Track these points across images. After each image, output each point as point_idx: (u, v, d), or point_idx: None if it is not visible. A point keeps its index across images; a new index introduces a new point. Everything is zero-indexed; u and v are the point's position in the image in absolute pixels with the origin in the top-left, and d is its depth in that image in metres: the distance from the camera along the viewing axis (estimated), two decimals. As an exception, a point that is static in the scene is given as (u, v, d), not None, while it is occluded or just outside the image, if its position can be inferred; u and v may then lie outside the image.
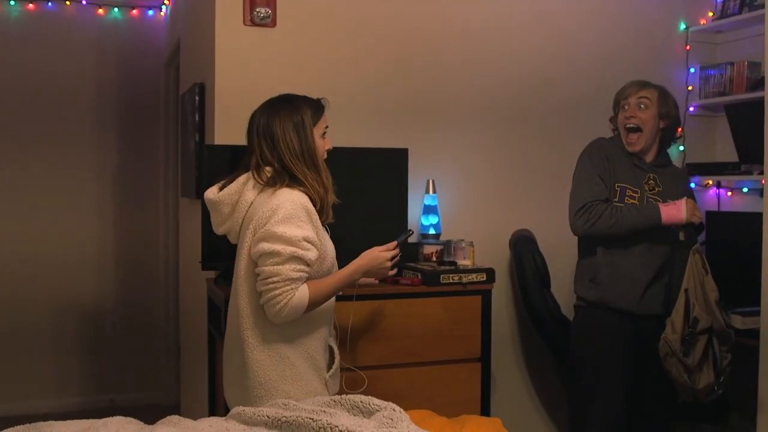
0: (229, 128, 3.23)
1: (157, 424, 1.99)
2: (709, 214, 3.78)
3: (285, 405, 2.00)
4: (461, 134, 3.64)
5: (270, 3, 3.29)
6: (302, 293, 2.14)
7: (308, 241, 2.14)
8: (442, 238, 3.43)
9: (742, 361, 3.45)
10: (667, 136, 3.06)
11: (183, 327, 4.41)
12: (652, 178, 2.99)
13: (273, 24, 3.31)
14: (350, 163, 3.23)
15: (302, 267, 2.14)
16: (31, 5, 4.73)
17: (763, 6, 3.67)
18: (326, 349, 2.34)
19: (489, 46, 3.66)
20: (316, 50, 3.39)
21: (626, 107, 2.99)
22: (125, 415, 2.11)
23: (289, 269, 2.11)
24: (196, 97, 3.50)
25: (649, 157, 3.02)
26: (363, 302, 3.00)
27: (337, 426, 1.76)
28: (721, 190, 3.97)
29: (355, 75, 3.46)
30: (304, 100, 2.33)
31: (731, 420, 3.53)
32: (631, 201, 2.94)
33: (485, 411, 3.16)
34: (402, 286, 3.09)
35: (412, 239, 3.40)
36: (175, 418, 2.02)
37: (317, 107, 2.32)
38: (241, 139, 3.17)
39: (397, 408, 1.90)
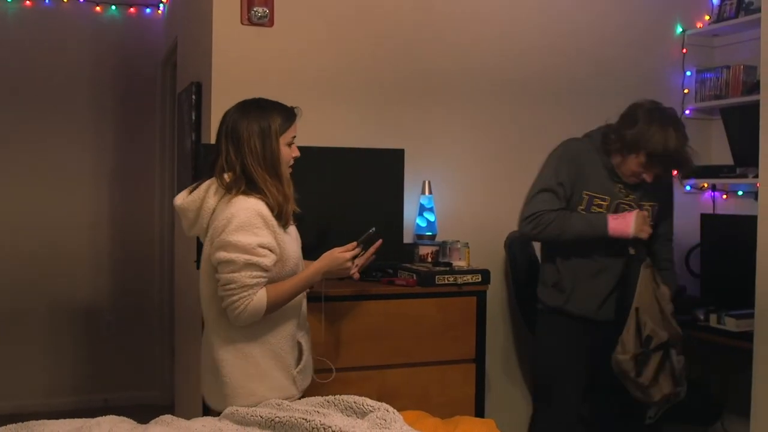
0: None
1: (150, 423, 1.99)
2: (704, 217, 3.79)
3: (278, 405, 2.01)
4: (458, 136, 3.64)
5: (267, 2, 3.29)
6: (260, 298, 2.18)
7: (264, 247, 2.17)
8: (438, 239, 3.42)
9: (735, 364, 3.46)
10: None
11: (177, 327, 4.40)
12: (623, 188, 2.93)
13: (270, 23, 3.31)
14: (347, 164, 3.24)
15: (258, 273, 2.17)
16: (28, 2, 4.71)
17: (759, 10, 3.68)
18: (294, 345, 2.36)
19: (487, 50, 3.66)
20: (313, 50, 3.39)
21: (639, 168, 2.84)
22: (119, 414, 2.11)
23: (245, 276, 2.15)
24: (193, 96, 3.50)
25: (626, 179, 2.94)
26: (358, 302, 3.01)
27: (330, 426, 1.76)
28: (717, 193, 3.98)
29: (352, 75, 3.46)
30: (276, 106, 2.34)
31: (724, 422, 3.54)
32: (599, 210, 2.90)
33: (479, 412, 3.16)
34: (397, 287, 3.09)
35: (407, 239, 3.41)
36: (168, 417, 2.03)
37: (288, 115, 2.33)
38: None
39: (391, 409, 1.90)
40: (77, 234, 4.82)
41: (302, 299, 2.43)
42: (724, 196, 3.95)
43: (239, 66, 3.28)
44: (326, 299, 2.97)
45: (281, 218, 2.25)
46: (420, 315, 3.08)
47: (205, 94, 3.37)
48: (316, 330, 2.72)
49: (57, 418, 2.02)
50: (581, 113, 3.76)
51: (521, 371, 3.77)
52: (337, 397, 2.00)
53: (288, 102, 3.31)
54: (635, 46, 3.89)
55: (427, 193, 3.45)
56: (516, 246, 3.53)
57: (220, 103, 3.24)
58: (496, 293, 3.66)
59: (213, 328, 2.29)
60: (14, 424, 1.93)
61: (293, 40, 3.36)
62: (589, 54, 3.81)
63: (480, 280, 3.16)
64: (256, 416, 1.90)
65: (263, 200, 2.22)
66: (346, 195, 3.22)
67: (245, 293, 2.16)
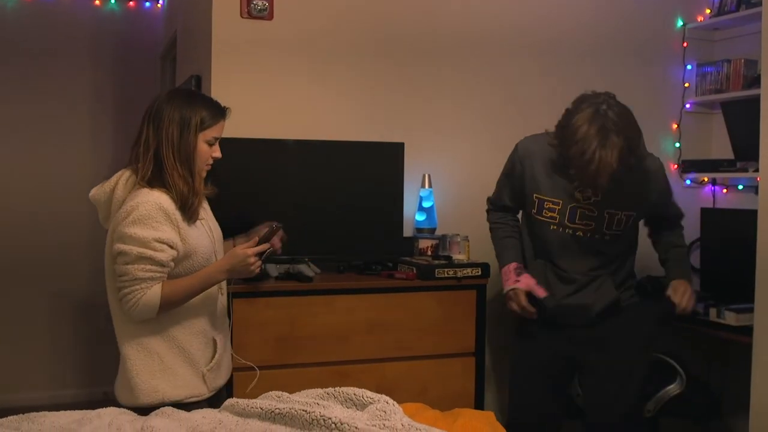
0: (226, 121, 3.22)
1: (150, 415, 2.00)
2: (704, 211, 3.78)
3: (278, 397, 2.01)
4: (458, 129, 3.64)
5: (267, -5, 3.29)
6: (154, 293, 2.13)
7: (161, 242, 2.13)
8: (438, 232, 3.43)
9: (735, 358, 3.46)
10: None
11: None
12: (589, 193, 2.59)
13: (270, 17, 3.31)
14: (346, 157, 3.24)
15: (152, 267, 2.13)
16: (27, -5, 4.71)
17: (760, 3, 3.67)
18: (208, 342, 2.31)
19: (485, 43, 3.66)
20: (312, 43, 3.39)
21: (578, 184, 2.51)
22: (119, 407, 2.11)
23: (137, 269, 2.12)
24: (214, 99, 3.48)
25: None
26: (358, 295, 3.01)
27: (330, 418, 1.76)
28: (717, 187, 3.97)
29: (351, 68, 3.45)
30: (205, 101, 2.29)
31: (723, 416, 3.54)
32: (550, 214, 2.67)
33: (479, 405, 3.17)
34: (397, 280, 3.10)
35: (407, 233, 3.41)
36: (168, 409, 2.03)
37: (214, 113, 2.27)
38: (238, 132, 3.19)
39: (391, 401, 1.90)
40: (78, 229, 4.81)
41: (217, 295, 2.36)
42: (725, 191, 3.95)
43: (239, 59, 3.28)
44: (326, 292, 2.98)
45: (186, 211, 2.20)
46: (420, 308, 3.09)
47: (205, 87, 3.37)
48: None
49: (57, 411, 2.02)
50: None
51: (521, 365, 3.77)
52: (337, 389, 1.99)
53: (287, 95, 3.35)
54: (636, 39, 3.88)
55: (426, 186, 3.45)
56: (516, 240, 3.53)
57: (219, 97, 3.19)
58: (496, 286, 3.66)
59: (117, 322, 2.25)
60: (15, 416, 1.93)
61: (293, 34, 3.35)
62: (589, 49, 3.81)
63: (480, 273, 3.16)
64: (256, 408, 1.90)
65: (167, 193, 2.17)
66: (346, 188, 3.22)
67: (137, 287, 2.12)
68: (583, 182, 2.47)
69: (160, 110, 2.21)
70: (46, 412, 1.98)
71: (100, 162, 4.90)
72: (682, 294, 2.78)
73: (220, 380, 2.38)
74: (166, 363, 2.21)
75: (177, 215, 2.17)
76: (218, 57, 3.25)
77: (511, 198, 2.87)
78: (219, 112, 2.29)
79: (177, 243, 2.16)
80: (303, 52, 3.38)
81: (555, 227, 2.68)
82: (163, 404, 2.16)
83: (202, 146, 2.24)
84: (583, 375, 2.85)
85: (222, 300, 2.41)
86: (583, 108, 2.45)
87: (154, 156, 2.19)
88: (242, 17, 3.27)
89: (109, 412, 2.00)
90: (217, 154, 2.30)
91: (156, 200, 2.14)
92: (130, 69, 4.94)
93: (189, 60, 3.91)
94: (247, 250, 2.22)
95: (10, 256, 4.73)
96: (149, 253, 2.11)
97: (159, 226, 2.13)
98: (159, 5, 4.97)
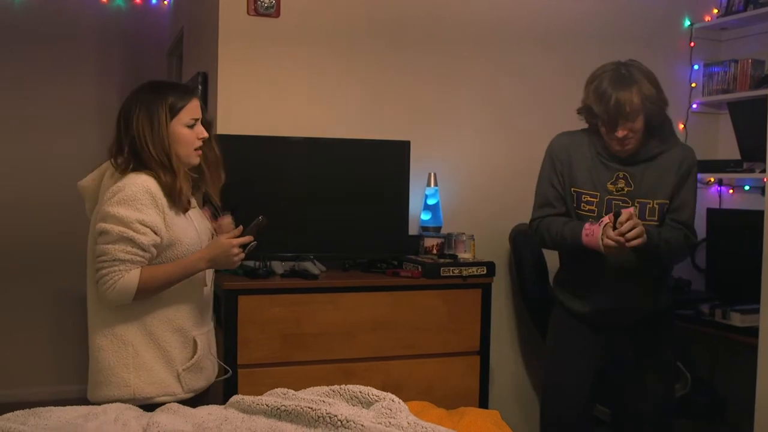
0: (231, 118, 3.24)
1: (156, 411, 1.99)
2: (710, 212, 3.78)
3: (284, 394, 2.01)
4: (463, 128, 3.63)
5: (274, -7, 3.29)
6: (132, 276, 2.07)
7: (144, 224, 2.08)
8: (443, 231, 3.43)
9: (740, 359, 3.45)
10: (652, 127, 2.58)
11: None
12: (621, 176, 2.62)
13: (277, 14, 3.31)
14: (352, 155, 3.24)
15: (133, 249, 2.07)
16: (34, -8, 4.72)
17: (767, 4, 3.66)
18: (186, 341, 2.22)
19: (492, 40, 3.65)
20: (319, 40, 3.39)
21: (612, 132, 2.55)
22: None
23: (118, 249, 2.06)
24: (199, 87, 3.49)
25: (622, 153, 2.61)
26: (364, 293, 3.02)
27: (336, 415, 1.76)
28: (723, 188, 3.97)
29: (358, 65, 3.46)
30: (170, 87, 2.24)
31: (728, 417, 3.53)
32: (589, 207, 2.64)
33: (483, 404, 3.17)
34: (402, 279, 3.10)
35: (413, 231, 3.41)
36: (174, 405, 2.03)
37: (182, 95, 2.20)
38: (244, 129, 3.20)
39: (396, 399, 1.90)
40: (84, 223, 4.81)
41: (200, 294, 2.28)
42: (731, 191, 3.94)
43: (245, 56, 3.28)
44: (332, 290, 2.99)
45: (173, 200, 2.15)
46: (425, 307, 3.09)
47: (211, 84, 3.37)
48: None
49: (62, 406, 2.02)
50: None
51: (525, 364, 3.77)
52: (343, 386, 1.99)
53: (293, 93, 3.35)
54: (643, 39, 3.87)
55: (432, 185, 3.45)
56: (520, 239, 3.53)
57: (226, 94, 3.25)
58: (501, 285, 3.66)
59: (92, 310, 2.20)
60: (21, 411, 1.93)
61: (299, 31, 3.35)
62: (597, 47, 3.80)
63: (485, 272, 3.16)
64: (262, 404, 1.90)
65: (154, 178, 2.13)
66: (352, 186, 3.22)
67: (115, 268, 2.06)
68: (611, 123, 2.51)
69: (128, 110, 2.18)
70: (52, 407, 1.97)
71: (104, 160, 4.90)
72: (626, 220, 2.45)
73: (199, 383, 2.27)
74: (141, 357, 2.15)
75: (163, 201, 2.13)
76: (225, 54, 3.26)
77: (556, 198, 2.71)
78: (187, 93, 2.23)
79: (161, 228, 2.11)
80: (309, 50, 3.38)
81: (593, 221, 2.60)
82: (133, 399, 2.12)
83: (182, 131, 2.19)
84: (623, 375, 2.81)
85: (207, 299, 2.33)
86: (600, 67, 2.61)
87: (131, 151, 2.16)
88: (249, 14, 3.27)
89: (114, 408, 2.00)
90: (203, 134, 2.24)
91: (143, 183, 2.11)
92: (136, 66, 4.94)
93: (195, 57, 3.91)
94: (232, 240, 2.16)
95: (13, 251, 4.74)
96: (130, 233, 2.06)
97: (144, 209, 2.08)
98: (165, 2, 4.97)
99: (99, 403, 2.08)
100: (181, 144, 2.19)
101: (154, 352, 2.17)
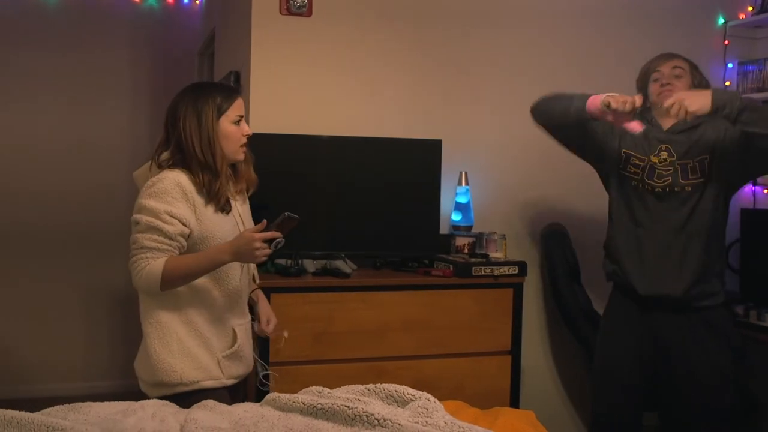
0: (264, 116, 3.25)
1: (192, 407, 2.01)
2: (745, 212, 3.73)
3: (319, 392, 2.02)
4: (495, 127, 3.62)
5: (306, -8, 3.30)
6: (158, 264, 2.15)
7: (172, 215, 2.16)
8: (474, 230, 3.42)
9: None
10: None
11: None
12: (664, 149, 2.71)
13: (309, 13, 3.32)
14: (383, 154, 3.24)
15: (159, 238, 2.15)
16: (68, -7, 4.78)
17: (805, 1, 3.61)
18: (226, 331, 2.31)
19: (524, 40, 3.64)
20: (350, 40, 3.39)
21: (659, 78, 2.75)
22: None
23: (146, 238, 2.16)
24: (231, 84, 3.52)
25: (668, 122, 2.72)
26: (395, 292, 3.02)
27: (373, 414, 1.76)
28: (757, 188, 3.92)
29: (389, 64, 3.45)
30: (215, 87, 2.33)
31: (761, 419, 3.49)
32: (634, 170, 2.75)
33: (514, 404, 3.16)
34: (434, 278, 3.10)
35: (444, 230, 3.41)
36: (210, 402, 2.04)
37: (228, 94, 2.29)
38: (276, 128, 3.22)
39: (432, 398, 1.90)
40: (115, 220, 4.87)
41: (240, 288, 2.34)
42: (765, 191, 3.89)
43: (278, 55, 3.29)
44: (363, 288, 2.99)
45: (210, 197, 2.22)
46: (456, 306, 3.08)
47: (244, 83, 3.39)
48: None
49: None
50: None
51: (555, 364, 3.75)
52: (378, 385, 1.99)
53: (325, 91, 3.36)
54: (676, 37, 3.83)
55: (463, 184, 3.44)
56: (552, 238, 3.52)
57: (258, 93, 3.27)
58: (532, 285, 3.65)
59: (141, 298, 2.30)
60: (61, 406, 1.96)
61: (331, 30, 3.36)
62: (629, 45, 3.77)
63: (517, 272, 3.15)
64: (298, 402, 1.91)
65: (188, 175, 2.21)
66: (383, 185, 3.22)
67: (142, 255, 2.16)
68: (653, 63, 2.79)
69: (175, 109, 2.26)
70: (91, 403, 2.00)
71: (138, 153, 4.95)
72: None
73: (237, 371, 2.35)
74: (184, 343, 2.23)
75: (195, 196, 2.20)
76: (257, 53, 3.27)
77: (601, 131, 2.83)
78: (233, 92, 2.32)
79: (190, 221, 2.19)
80: (341, 49, 3.38)
81: (636, 182, 2.75)
82: (181, 383, 2.20)
83: (229, 128, 2.26)
84: (670, 367, 2.77)
85: (239, 292, 2.36)
86: None
87: (177, 150, 2.23)
88: (281, 14, 3.29)
89: (152, 404, 2.03)
90: (248, 131, 2.32)
91: (175, 177, 2.19)
92: (167, 65, 4.98)
93: (227, 56, 3.94)
94: (254, 234, 2.14)
95: (45, 246, 4.80)
96: (157, 223, 2.15)
97: (173, 201, 2.17)
98: (197, 2, 5.01)
99: (149, 388, 2.22)
100: (229, 140, 2.26)
101: (195, 339, 2.25)
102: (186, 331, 2.24)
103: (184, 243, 2.20)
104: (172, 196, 2.17)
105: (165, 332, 2.24)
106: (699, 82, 2.76)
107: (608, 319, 2.93)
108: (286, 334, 2.43)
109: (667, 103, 2.48)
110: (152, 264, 2.15)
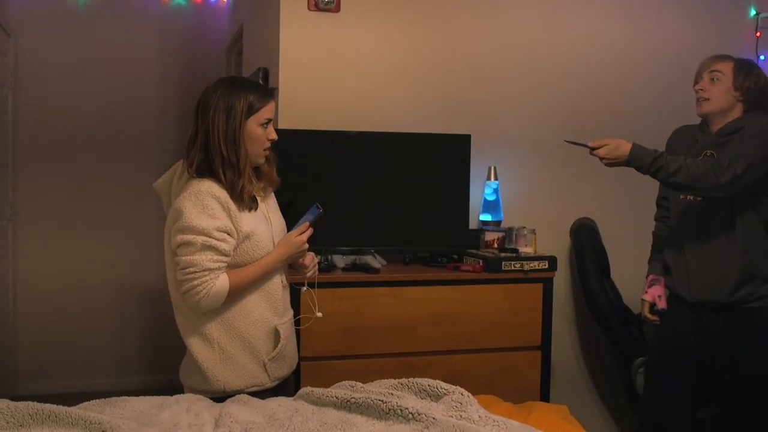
0: (293, 113, 3.26)
1: (227, 402, 2.03)
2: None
3: (352, 387, 2.02)
4: (524, 122, 3.60)
5: (334, -12, 3.31)
6: (222, 283, 2.13)
7: (222, 231, 2.13)
8: (503, 225, 3.41)
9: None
10: (752, 103, 2.71)
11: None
12: (709, 154, 2.70)
13: (337, 9, 3.33)
14: (412, 149, 3.24)
15: (218, 257, 2.13)
16: (97, -8, 4.83)
17: (839, -9, 3.55)
18: (269, 332, 2.28)
19: (557, 33, 3.62)
20: (379, 35, 3.40)
21: (699, 81, 2.79)
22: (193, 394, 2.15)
23: (205, 259, 2.11)
24: (260, 82, 3.53)
25: (717, 125, 2.74)
26: (425, 287, 3.02)
27: (407, 408, 1.76)
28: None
29: (418, 60, 3.45)
30: (251, 85, 2.27)
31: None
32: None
33: (544, 399, 3.15)
34: (463, 273, 3.09)
35: (473, 225, 3.40)
36: (244, 397, 2.06)
37: (262, 95, 2.24)
38: (305, 124, 3.23)
39: (465, 392, 1.90)
40: (143, 218, 4.92)
41: (278, 285, 2.32)
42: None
43: (306, 52, 3.30)
44: (393, 284, 3.00)
45: (237, 198, 2.19)
46: (486, 301, 3.08)
47: (273, 79, 3.40)
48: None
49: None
50: (649, 99, 3.70)
51: (585, 359, 3.74)
52: (411, 380, 2.00)
53: (354, 87, 3.36)
54: (707, 29, 3.79)
55: (492, 179, 3.43)
56: (582, 233, 3.49)
57: (287, 89, 3.28)
58: (561, 280, 3.63)
59: (180, 312, 2.26)
60: (98, 400, 1.99)
61: (359, 26, 3.37)
62: (660, 37, 3.74)
63: (547, 266, 3.14)
64: (332, 397, 1.92)
65: (216, 182, 2.17)
66: (413, 180, 3.22)
67: (206, 277, 2.11)
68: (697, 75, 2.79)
69: (207, 100, 2.21)
70: (126, 397, 2.02)
71: (166, 150, 4.99)
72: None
73: (283, 371, 2.34)
74: (227, 353, 2.21)
75: (230, 203, 2.17)
76: (286, 49, 3.29)
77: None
78: (267, 94, 2.26)
79: (234, 231, 2.17)
80: (369, 44, 3.39)
81: (683, 197, 2.79)
82: (225, 394, 2.18)
83: (256, 130, 2.22)
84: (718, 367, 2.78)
85: (283, 289, 2.37)
86: None
87: (203, 145, 2.20)
88: (309, 9, 3.30)
89: (186, 398, 2.05)
90: (273, 135, 2.28)
91: (208, 189, 2.14)
92: (196, 62, 5.02)
93: (255, 52, 3.95)
94: (302, 237, 2.30)
95: (78, 249, 4.86)
96: (213, 242, 2.11)
97: (216, 214, 2.13)
98: (224, 0, 5.04)
99: (198, 392, 2.19)
100: (254, 142, 2.23)
101: (240, 345, 2.23)
102: (228, 337, 2.22)
103: (231, 255, 2.20)
104: (212, 209, 2.13)
105: (207, 343, 2.21)
106: (741, 84, 2.69)
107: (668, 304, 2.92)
108: (319, 314, 2.42)
109: (596, 152, 2.65)
110: (218, 284, 2.13)
